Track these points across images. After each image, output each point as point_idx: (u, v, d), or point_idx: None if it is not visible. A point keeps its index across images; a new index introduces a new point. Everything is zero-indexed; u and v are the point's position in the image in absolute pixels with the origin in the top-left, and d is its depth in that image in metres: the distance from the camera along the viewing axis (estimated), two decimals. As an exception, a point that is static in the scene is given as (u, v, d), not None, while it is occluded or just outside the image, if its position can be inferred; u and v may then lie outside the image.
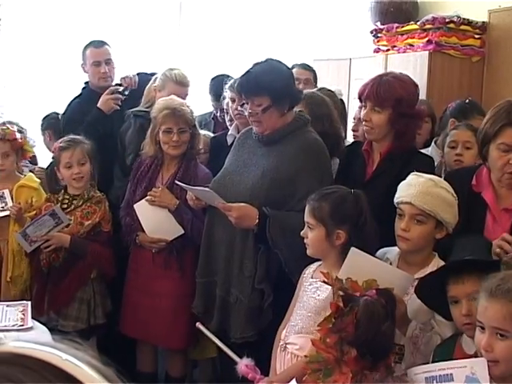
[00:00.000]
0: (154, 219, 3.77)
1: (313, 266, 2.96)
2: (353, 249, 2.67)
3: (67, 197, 3.91)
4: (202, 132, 4.26)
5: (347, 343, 2.32)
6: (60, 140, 3.96)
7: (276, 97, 3.27)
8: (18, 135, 4.10)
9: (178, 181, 3.70)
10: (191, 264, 3.81)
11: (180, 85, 4.30)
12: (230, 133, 4.22)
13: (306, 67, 5.10)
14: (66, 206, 3.86)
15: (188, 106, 3.93)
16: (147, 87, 4.44)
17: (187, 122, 3.85)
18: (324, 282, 2.63)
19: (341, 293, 2.40)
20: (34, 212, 3.92)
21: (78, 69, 4.82)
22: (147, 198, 3.78)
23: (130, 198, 3.92)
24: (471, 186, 3.00)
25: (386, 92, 3.25)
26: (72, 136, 3.96)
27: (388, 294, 2.42)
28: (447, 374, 2.25)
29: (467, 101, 4.37)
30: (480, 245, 2.64)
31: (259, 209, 3.21)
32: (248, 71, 3.33)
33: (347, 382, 2.28)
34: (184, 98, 4.13)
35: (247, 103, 3.30)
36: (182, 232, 3.77)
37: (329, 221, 2.80)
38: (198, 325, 3.12)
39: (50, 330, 3.20)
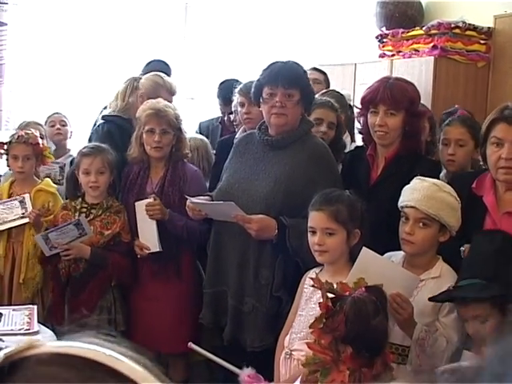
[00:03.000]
0: (145, 225, 3.73)
1: (313, 272, 2.96)
2: (364, 248, 2.71)
3: (85, 205, 3.85)
4: (192, 135, 4.22)
5: (341, 342, 2.35)
6: (85, 145, 3.94)
7: (305, 93, 3.33)
8: (41, 140, 4.15)
9: (167, 185, 3.72)
10: (189, 267, 3.83)
11: (172, 94, 4.28)
12: (237, 136, 4.24)
13: (317, 69, 5.13)
14: (84, 215, 3.80)
15: (174, 109, 3.88)
16: (123, 92, 4.36)
17: (170, 123, 3.80)
18: (313, 286, 2.65)
19: (329, 294, 2.43)
20: (51, 216, 3.92)
21: (84, 70, 4.85)
22: (149, 199, 3.73)
23: (124, 204, 3.88)
24: (472, 189, 3.01)
25: (401, 94, 3.26)
26: (97, 144, 3.93)
27: (378, 291, 2.46)
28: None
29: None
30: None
31: (276, 218, 3.19)
32: (276, 65, 3.35)
33: (345, 380, 2.30)
34: None
35: (274, 95, 3.28)
36: (158, 250, 3.71)
37: (349, 223, 2.83)
38: (190, 345, 3.05)
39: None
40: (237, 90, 4.17)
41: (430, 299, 2.66)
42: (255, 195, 3.28)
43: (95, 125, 4.53)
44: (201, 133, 5.33)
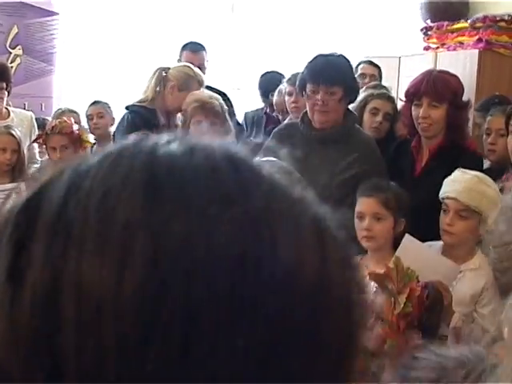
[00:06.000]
0: None
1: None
2: (407, 235, 2.77)
3: None
4: None
5: (412, 327, 2.41)
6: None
7: (348, 89, 3.32)
8: (76, 127, 4.18)
9: None
10: None
11: (201, 86, 4.30)
12: (284, 126, 4.26)
13: (372, 63, 5.17)
14: None
15: (218, 100, 3.92)
16: (150, 82, 4.36)
17: (217, 114, 3.85)
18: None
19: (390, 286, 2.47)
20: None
21: (133, 59, 4.88)
22: None
23: None
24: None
25: (444, 86, 3.30)
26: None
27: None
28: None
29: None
30: None
31: None
32: (319, 60, 3.34)
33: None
34: None
35: (316, 92, 3.29)
36: None
37: (397, 211, 2.89)
38: None
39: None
40: (285, 80, 4.22)
41: None
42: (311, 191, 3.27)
43: None
44: (246, 123, 5.42)
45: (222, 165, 0.49)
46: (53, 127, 4.10)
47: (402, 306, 2.38)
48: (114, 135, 4.64)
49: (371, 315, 2.55)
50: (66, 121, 4.20)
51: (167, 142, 0.52)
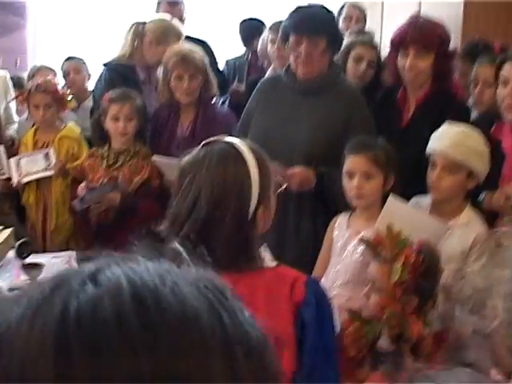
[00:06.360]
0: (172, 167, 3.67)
1: (343, 217, 2.97)
2: (390, 197, 2.73)
3: (112, 152, 3.78)
4: None
5: (409, 293, 2.36)
6: (111, 91, 3.82)
7: (331, 40, 3.24)
8: (60, 87, 4.11)
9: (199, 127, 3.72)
10: None
11: (179, 39, 4.20)
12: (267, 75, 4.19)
13: (357, 6, 5.06)
14: (112, 162, 3.76)
15: (199, 52, 3.85)
16: (127, 38, 4.30)
17: (198, 67, 3.76)
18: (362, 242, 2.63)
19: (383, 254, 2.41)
20: (77, 162, 3.92)
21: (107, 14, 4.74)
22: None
23: (152, 149, 3.83)
24: (491, 133, 2.99)
25: (431, 35, 3.21)
26: (125, 89, 3.85)
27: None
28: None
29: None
30: None
31: (314, 168, 3.13)
32: (301, 11, 3.25)
33: (421, 330, 2.34)
34: None
35: (300, 43, 3.20)
36: None
37: (386, 168, 2.84)
38: None
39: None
40: (268, 27, 4.12)
41: None
42: (292, 144, 3.19)
43: None
44: (227, 70, 5.32)
45: (129, 313, 0.53)
46: (37, 85, 4.00)
47: (399, 274, 2.33)
48: (92, 93, 4.52)
49: (367, 283, 2.52)
50: (50, 80, 4.11)
51: (81, 288, 0.56)
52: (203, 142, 1.73)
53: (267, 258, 1.70)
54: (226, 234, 1.62)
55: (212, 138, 1.75)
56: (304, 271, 3.07)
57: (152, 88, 4.30)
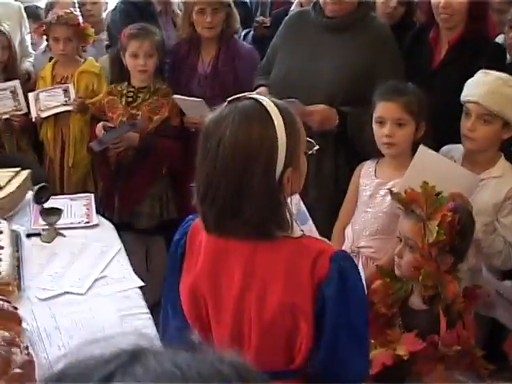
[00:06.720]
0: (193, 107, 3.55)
1: (370, 164, 2.87)
2: (421, 146, 2.62)
3: (131, 89, 3.67)
4: None
5: (445, 252, 2.29)
6: (130, 26, 3.68)
7: None
8: (81, 19, 3.96)
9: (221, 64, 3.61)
10: None
11: None
12: (292, 8, 4.03)
13: None
14: (131, 99, 3.65)
15: None
16: None
17: (221, 0, 3.64)
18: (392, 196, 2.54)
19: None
20: (97, 98, 3.81)
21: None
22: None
23: (171, 85, 3.73)
24: None
25: None
26: (144, 24, 3.70)
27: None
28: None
29: None
30: None
31: (337, 108, 3.02)
32: None
33: (456, 289, 2.29)
34: None
35: None
36: None
37: (418, 115, 2.71)
38: None
39: (120, 227, 3.13)
40: None
41: None
42: (315, 83, 3.06)
43: None
44: (251, 4, 5.17)
45: None
46: (58, 17, 3.84)
47: (435, 234, 2.24)
48: (108, 26, 4.36)
49: (395, 237, 2.43)
50: (72, 12, 3.94)
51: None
52: (228, 99, 1.62)
53: (295, 226, 1.60)
54: (255, 200, 1.52)
55: (238, 95, 1.63)
56: (324, 210, 3.11)
57: (169, 19, 4.18)
